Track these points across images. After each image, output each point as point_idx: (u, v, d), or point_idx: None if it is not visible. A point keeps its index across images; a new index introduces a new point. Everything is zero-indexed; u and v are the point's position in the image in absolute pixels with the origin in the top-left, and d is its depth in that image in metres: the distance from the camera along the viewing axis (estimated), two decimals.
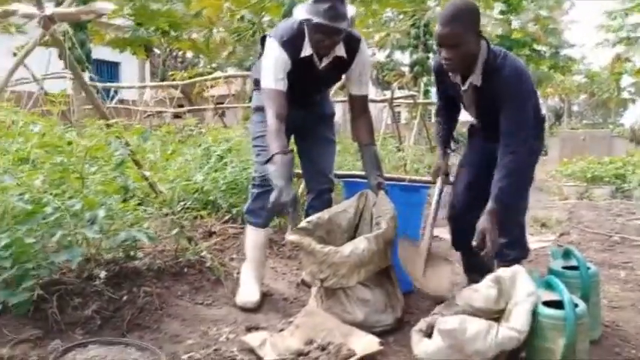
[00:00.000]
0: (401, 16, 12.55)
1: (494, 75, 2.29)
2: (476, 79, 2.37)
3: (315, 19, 2.37)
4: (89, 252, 2.22)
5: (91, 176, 2.35)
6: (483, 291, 2.08)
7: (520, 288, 2.03)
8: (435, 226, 2.70)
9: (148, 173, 2.47)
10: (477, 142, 2.72)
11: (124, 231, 2.21)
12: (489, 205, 2.31)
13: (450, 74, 2.43)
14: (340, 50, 2.56)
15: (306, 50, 2.52)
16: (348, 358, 1.96)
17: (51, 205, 1.96)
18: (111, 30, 10.07)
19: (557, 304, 1.94)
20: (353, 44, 2.59)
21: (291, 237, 2.36)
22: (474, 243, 2.30)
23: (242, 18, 8.70)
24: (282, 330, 2.26)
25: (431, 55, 10.60)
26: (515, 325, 1.93)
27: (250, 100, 3.22)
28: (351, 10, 2.47)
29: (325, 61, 2.58)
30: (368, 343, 2.08)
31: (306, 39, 2.51)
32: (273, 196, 2.29)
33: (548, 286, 2.05)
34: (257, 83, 2.77)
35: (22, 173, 2.07)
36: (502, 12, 15.56)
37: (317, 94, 2.83)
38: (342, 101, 6.60)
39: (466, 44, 2.25)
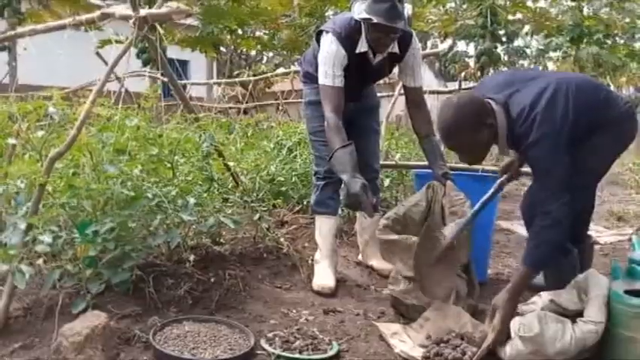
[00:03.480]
0: (465, 5, 12.29)
1: (522, 142, 2.11)
2: (505, 150, 2.29)
3: (376, 19, 2.44)
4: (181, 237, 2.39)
5: (180, 167, 2.53)
6: (565, 294, 2.09)
7: (593, 283, 2.03)
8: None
9: (231, 164, 2.62)
10: None
11: (212, 217, 2.36)
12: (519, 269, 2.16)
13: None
14: (394, 47, 2.62)
15: (362, 46, 2.59)
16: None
17: (149, 192, 2.13)
18: (181, 29, 10.47)
19: None
20: (406, 39, 2.65)
21: (383, 236, 2.44)
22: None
23: (309, 13, 8.82)
24: (408, 323, 2.31)
25: (498, 45, 10.36)
26: (590, 317, 1.94)
27: None
28: (407, 9, 2.52)
29: (379, 57, 2.65)
30: None
31: (363, 35, 2.57)
32: (343, 193, 2.38)
33: (631, 275, 2.03)
34: (307, 76, 2.86)
35: (121, 164, 2.26)
36: None
37: (367, 87, 2.90)
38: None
39: (471, 147, 2.16)
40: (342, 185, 2.41)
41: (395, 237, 2.41)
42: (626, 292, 1.95)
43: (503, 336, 2.02)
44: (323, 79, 2.57)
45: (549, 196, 2.06)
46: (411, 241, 2.35)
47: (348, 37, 2.58)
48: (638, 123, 2.38)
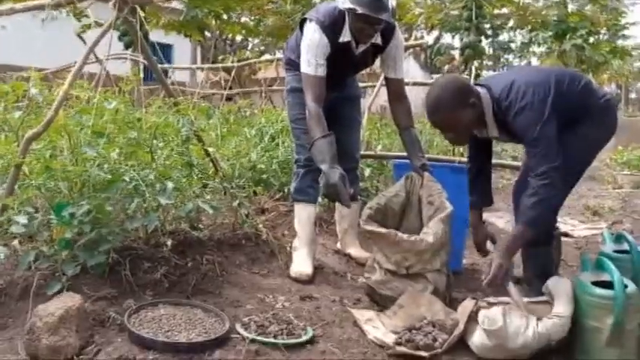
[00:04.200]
0: None
1: (507, 119, 2.23)
2: (494, 131, 2.35)
3: (360, 10, 2.45)
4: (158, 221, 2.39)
5: (159, 151, 2.52)
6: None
7: (557, 284, 2.11)
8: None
9: (211, 149, 2.62)
10: None
11: (190, 201, 2.36)
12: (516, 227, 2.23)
13: (476, 132, 2.39)
14: (377, 38, 2.64)
15: (346, 36, 2.61)
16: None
17: (127, 175, 2.13)
18: (166, 13, 10.33)
19: (608, 285, 1.97)
20: (389, 31, 2.67)
21: (368, 227, 2.46)
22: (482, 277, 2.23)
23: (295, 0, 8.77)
24: (382, 310, 2.35)
25: (483, 38, 10.40)
26: (557, 311, 1.99)
27: None
28: (392, 0, 2.53)
29: (362, 47, 2.67)
30: None
31: (346, 24, 2.59)
32: (322, 182, 2.40)
33: (599, 267, 2.08)
34: (290, 63, 2.86)
35: (99, 146, 2.25)
36: None
37: (349, 77, 2.91)
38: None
39: (454, 124, 2.26)
40: (321, 175, 2.42)
41: (382, 230, 2.43)
42: (594, 283, 2.01)
43: (495, 282, 2.13)
44: (305, 68, 2.58)
45: (541, 160, 2.13)
46: (398, 238, 2.38)
47: (331, 25, 2.58)
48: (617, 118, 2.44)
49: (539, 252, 2.42)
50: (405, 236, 2.39)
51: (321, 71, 2.56)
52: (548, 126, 2.14)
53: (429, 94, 2.28)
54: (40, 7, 2.57)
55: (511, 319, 1.99)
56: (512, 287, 2.14)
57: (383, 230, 2.43)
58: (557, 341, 1.99)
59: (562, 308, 2.00)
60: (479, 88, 2.30)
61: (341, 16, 2.58)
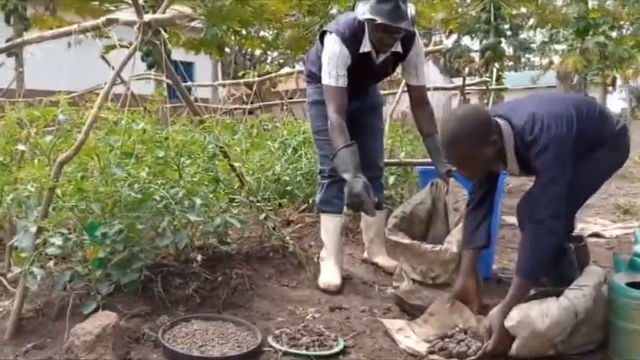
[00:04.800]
0: (469, 0, 12.27)
1: (529, 155, 2.08)
2: (514, 167, 2.19)
3: (380, 20, 2.46)
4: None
5: (186, 168, 2.57)
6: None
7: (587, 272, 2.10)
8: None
9: (237, 164, 2.66)
10: None
11: (218, 216, 2.40)
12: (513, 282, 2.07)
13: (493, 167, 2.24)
14: (397, 46, 2.65)
15: (366, 46, 2.63)
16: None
17: (157, 194, 2.17)
18: (185, 31, 10.53)
19: None
20: (409, 38, 2.68)
21: (393, 237, 2.46)
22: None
23: (310, 11, 8.84)
24: (412, 319, 2.32)
25: (503, 40, 10.35)
26: (578, 282, 1.99)
27: None
28: (411, 9, 2.54)
29: (382, 57, 2.68)
30: None
31: (366, 35, 2.61)
32: (346, 192, 2.40)
33: (633, 267, 2.05)
34: (311, 76, 2.89)
35: (128, 166, 2.30)
36: None
37: (370, 86, 2.93)
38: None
39: (471, 160, 2.09)
40: (345, 184, 2.44)
41: (406, 241, 2.43)
42: (628, 284, 1.97)
43: (501, 348, 1.98)
44: (327, 80, 2.61)
45: (547, 205, 2.02)
46: (422, 249, 2.37)
47: (351, 37, 2.61)
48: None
49: (556, 269, 2.30)
50: (430, 247, 2.37)
51: (342, 82, 2.59)
52: (567, 170, 2.03)
53: (445, 126, 2.11)
54: (67, 34, 2.66)
55: (529, 305, 1.97)
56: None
57: (407, 241, 2.43)
58: (585, 314, 1.94)
59: (584, 279, 1.99)
60: (499, 120, 2.12)
61: (360, 27, 2.61)
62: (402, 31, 2.53)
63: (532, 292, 2.11)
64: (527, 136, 2.04)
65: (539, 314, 1.92)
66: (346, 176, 2.41)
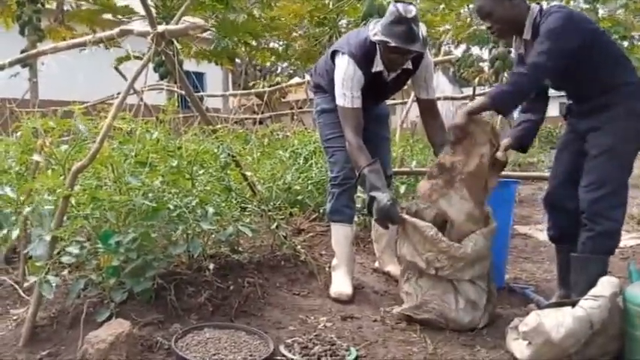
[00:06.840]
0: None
1: (541, 25, 2.34)
2: (526, 33, 2.43)
3: (394, 42, 2.48)
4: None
5: (199, 177, 2.59)
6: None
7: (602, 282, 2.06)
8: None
9: (249, 173, 2.68)
10: (570, 122, 2.59)
11: (230, 225, 2.41)
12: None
13: (514, 44, 2.55)
14: (408, 63, 2.67)
15: (378, 66, 2.66)
16: None
17: (170, 203, 2.19)
18: (197, 42, 10.63)
19: None
20: (418, 55, 2.68)
21: (409, 218, 2.44)
22: None
23: (320, 23, 8.91)
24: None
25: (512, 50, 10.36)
26: (593, 292, 1.97)
27: None
28: (423, 29, 2.56)
29: (393, 74, 2.71)
30: None
31: (378, 54, 2.63)
32: (375, 210, 2.45)
33: None
34: (318, 87, 2.93)
35: (142, 175, 2.32)
36: (587, 1, 14.79)
37: (381, 101, 2.95)
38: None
39: (497, 12, 2.38)
40: (373, 200, 2.46)
41: (421, 223, 2.40)
42: None
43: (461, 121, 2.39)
44: (342, 101, 2.64)
45: (534, 63, 2.27)
46: (438, 236, 2.36)
47: (363, 57, 2.63)
48: None
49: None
50: (445, 239, 2.37)
51: (358, 103, 2.63)
52: (553, 54, 2.24)
53: None
54: (82, 45, 2.70)
55: (545, 313, 1.98)
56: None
57: (422, 223, 2.40)
58: (600, 325, 1.92)
59: (599, 289, 1.97)
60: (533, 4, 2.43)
61: (372, 47, 2.63)
62: (415, 52, 2.56)
63: (549, 301, 2.11)
64: (540, 17, 2.35)
65: (554, 324, 1.91)
66: (374, 193, 2.46)
